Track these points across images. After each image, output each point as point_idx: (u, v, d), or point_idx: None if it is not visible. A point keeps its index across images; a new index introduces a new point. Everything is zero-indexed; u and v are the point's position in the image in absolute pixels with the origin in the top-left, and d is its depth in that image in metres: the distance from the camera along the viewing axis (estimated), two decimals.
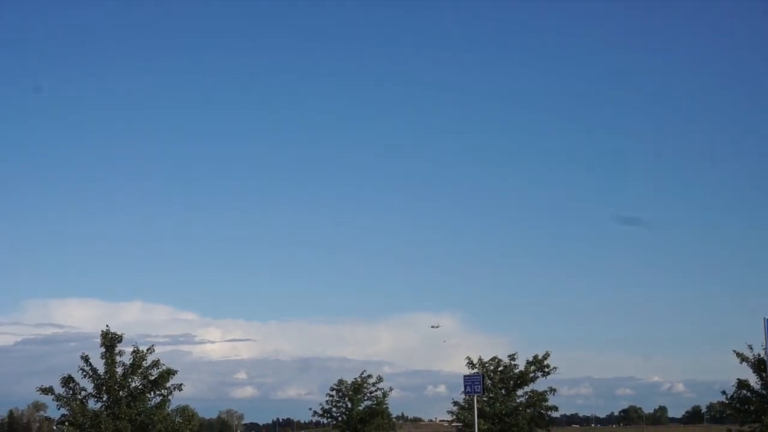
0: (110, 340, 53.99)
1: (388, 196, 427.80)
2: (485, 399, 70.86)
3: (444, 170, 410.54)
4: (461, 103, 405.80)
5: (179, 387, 54.32)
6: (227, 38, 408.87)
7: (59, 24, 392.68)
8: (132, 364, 53.94)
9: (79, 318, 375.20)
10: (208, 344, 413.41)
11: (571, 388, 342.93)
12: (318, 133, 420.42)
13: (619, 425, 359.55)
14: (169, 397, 54.32)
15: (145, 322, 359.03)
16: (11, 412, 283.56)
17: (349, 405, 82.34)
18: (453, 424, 77.13)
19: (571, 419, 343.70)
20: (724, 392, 64.37)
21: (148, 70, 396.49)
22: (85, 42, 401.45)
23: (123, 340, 54.50)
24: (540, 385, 72.78)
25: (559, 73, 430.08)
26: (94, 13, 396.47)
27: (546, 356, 72.44)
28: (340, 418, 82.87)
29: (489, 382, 71.30)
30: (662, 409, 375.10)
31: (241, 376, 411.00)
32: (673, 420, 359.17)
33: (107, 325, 54.62)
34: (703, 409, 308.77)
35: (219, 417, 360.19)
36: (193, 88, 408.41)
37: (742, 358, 61.02)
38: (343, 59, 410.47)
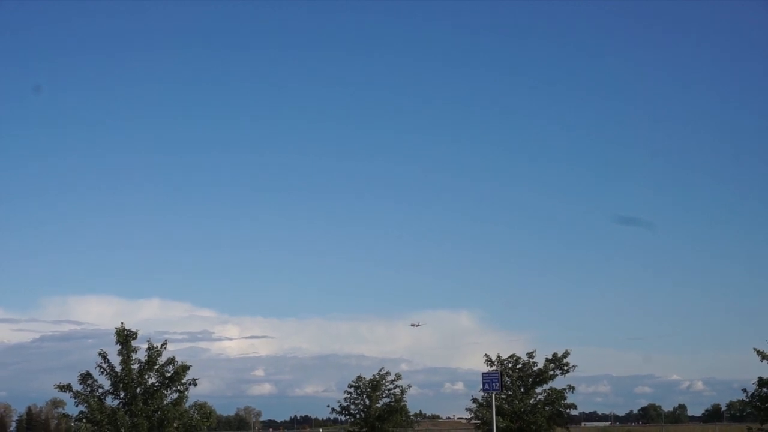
0: (125, 337, 53.87)
1: (407, 197, 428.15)
2: (504, 396, 70.57)
3: (457, 173, 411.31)
4: (472, 106, 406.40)
5: (194, 382, 54.20)
6: (228, 39, 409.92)
7: (59, 24, 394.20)
8: (147, 361, 53.86)
9: (97, 315, 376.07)
10: (226, 341, 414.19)
11: (589, 386, 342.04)
12: (329, 135, 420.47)
13: (638, 423, 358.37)
14: (186, 393, 54.17)
15: (164, 319, 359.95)
16: (29, 409, 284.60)
17: (368, 402, 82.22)
18: (471, 422, 76.77)
19: (589, 417, 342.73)
20: (744, 390, 63.88)
21: (155, 69, 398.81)
22: (85, 42, 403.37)
23: (138, 336, 54.39)
24: (559, 382, 72.47)
25: (559, 75, 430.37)
26: (94, 14, 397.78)
27: (565, 354, 72.05)
28: (358, 416, 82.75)
29: (507, 379, 71.04)
30: (682, 408, 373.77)
31: (259, 373, 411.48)
32: (693, 418, 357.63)
33: (122, 322, 54.57)
34: (723, 408, 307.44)
35: (237, 414, 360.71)
36: (196, 88, 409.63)
37: (763, 356, 60.47)
38: (344, 65, 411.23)
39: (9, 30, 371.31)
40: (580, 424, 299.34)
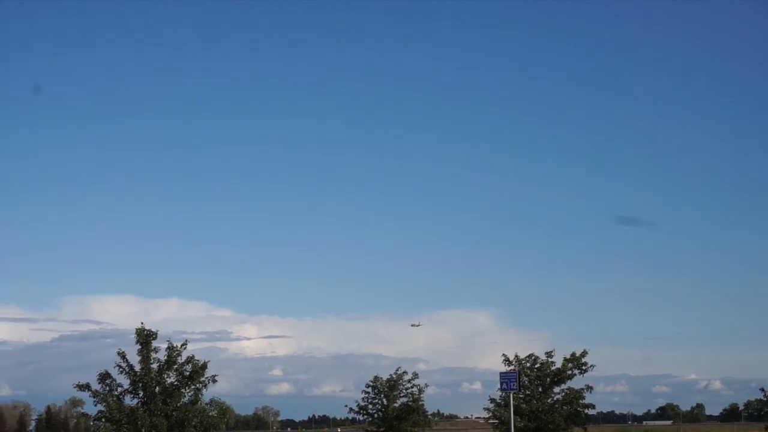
0: (145, 337, 54.00)
1: (426, 197, 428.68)
2: (521, 396, 70.46)
3: (474, 174, 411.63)
4: (481, 106, 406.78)
5: (213, 379, 54.29)
6: (228, 40, 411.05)
7: (59, 24, 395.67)
8: (167, 360, 53.98)
9: (115, 314, 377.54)
10: (244, 341, 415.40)
11: (607, 386, 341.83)
12: (346, 134, 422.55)
13: (656, 423, 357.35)
14: (203, 390, 54.27)
15: (182, 318, 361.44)
16: (49, 408, 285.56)
17: (385, 402, 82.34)
18: (489, 422, 76.72)
19: (607, 417, 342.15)
20: (762, 389, 63.85)
21: (158, 70, 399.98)
22: (85, 42, 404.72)
23: (158, 336, 54.51)
24: (577, 382, 72.30)
25: (560, 75, 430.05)
26: (94, 15, 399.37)
27: (584, 354, 71.85)
28: (375, 415, 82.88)
29: (525, 379, 70.93)
30: (699, 407, 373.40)
31: (277, 372, 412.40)
32: (711, 418, 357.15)
33: (142, 322, 54.70)
34: (741, 407, 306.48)
35: (255, 413, 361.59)
36: (202, 88, 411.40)
37: None
38: (349, 64, 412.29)
39: (9, 30, 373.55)
40: (598, 424, 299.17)
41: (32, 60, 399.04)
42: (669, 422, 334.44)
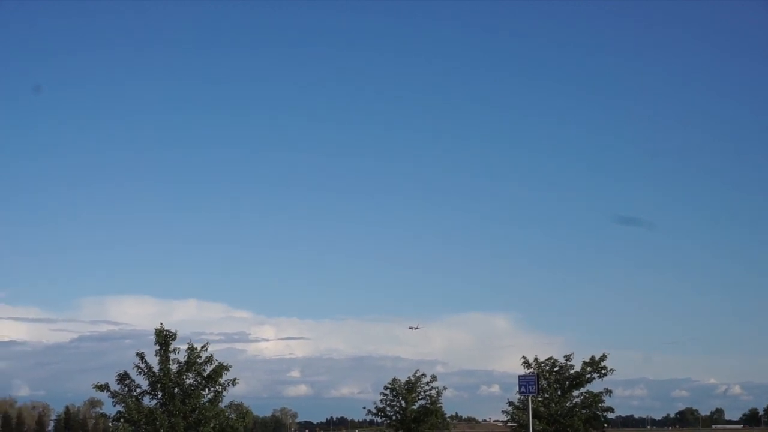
0: (164, 338, 54.04)
1: (444, 202, 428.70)
2: (540, 399, 70.27)
3: (491, 179, 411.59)
4: (493, 108, 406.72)
5: (233, 382, 54.29)
6: (229, 40, 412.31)
7: (59, 24, 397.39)
8: (186, 361, 53.98)
9: (134, 315, 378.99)
10: (263, 342, 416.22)
11: (626, 389, 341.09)
12: (360, 136, 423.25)
13: (675, 427, 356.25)
14: (223, 393, 54.27)
15: (200, 320, 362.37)
16: (67, 409, 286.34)
17: (403, 404, 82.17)
18: (508, 425, 76.53)
19: (626, 421, 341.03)
20: None
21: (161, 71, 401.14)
22: (86, 42, 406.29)
23: (177, 337, 54.54)
24: (596, 386, 72.05)
25: (560, 76, 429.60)
26: (95, 15, 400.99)
27: (603, 357, 71.62)
28: (394, 417, 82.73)
29: (544, 382, 70.74)
30: (719, 412, 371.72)
31: (295, 374, 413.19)
32: (730, 422, 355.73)
33: (161, 323, 54.74)
34: (761, 412, 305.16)
35: (273, 415, 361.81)
36: (206, 88, 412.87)
37: None
38: (348, 66, 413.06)
39: (9, 30, 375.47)
40: (618, 428, 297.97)
41: (32, 60, 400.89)
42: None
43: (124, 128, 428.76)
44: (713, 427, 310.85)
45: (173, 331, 54.44)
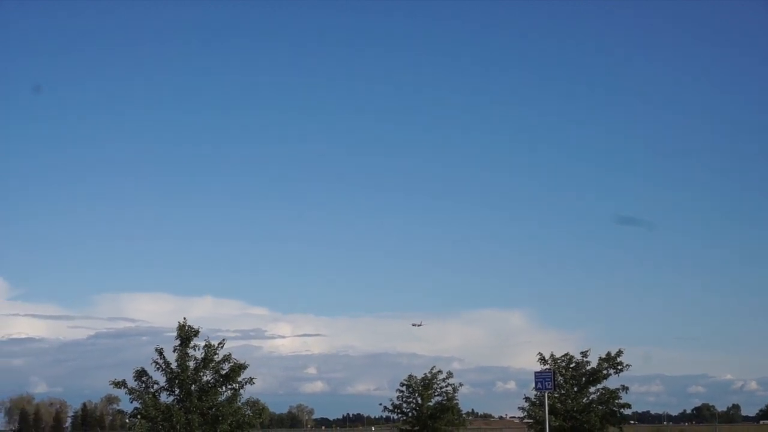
0: (186, 334, 54.15)
1: (459, 197, 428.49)
2: (556, 396, 70.23)
3: (512, 175, 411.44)
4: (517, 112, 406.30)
5: (251, 381, 54.38)
6: (231, 40, 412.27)
7: (59, 24, 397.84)
8: (204, 359, 54.07)
9: (150, 312, 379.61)
10: (279, 339, 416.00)
11: (642, 386, 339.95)
12: (378, 132, 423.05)
13: (692, 423, 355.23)
14: (240, 391, 54.37)
15: (216, 316, 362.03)
16: (85, 405, 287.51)
17: (419, 401, 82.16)
18: (524, 421, 76.52)
19: (642, 417, 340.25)
20: None
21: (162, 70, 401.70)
22: (85, 41, 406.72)
23: (199, 334, 54.62)
24: (612, 382, 71.96)
25: (560, 74, 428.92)
26: (94, 15, 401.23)
27: (619, 353, 71.56)
28: (410, 414, 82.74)
29: (560, 378, 70.68)
30: (735, 408, 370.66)
31: (311, 371, 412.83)
32: (747, 418, 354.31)
33: (184, 318, 54.83)
34: None
35: (289, 412, 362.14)
36: (212, 87, 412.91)
37: None
38: (352, 61, 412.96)
39: (9, 30, 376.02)
40: (631, 422, 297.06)
41: (32, 60, 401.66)
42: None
43: (133, 125, 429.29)
44: (760, 422, 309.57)
45: (195, 327, 54.57)
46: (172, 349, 54.22)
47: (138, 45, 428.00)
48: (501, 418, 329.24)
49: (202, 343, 54.43)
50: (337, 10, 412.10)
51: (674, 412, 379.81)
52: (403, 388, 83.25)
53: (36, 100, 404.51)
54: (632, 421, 73.27)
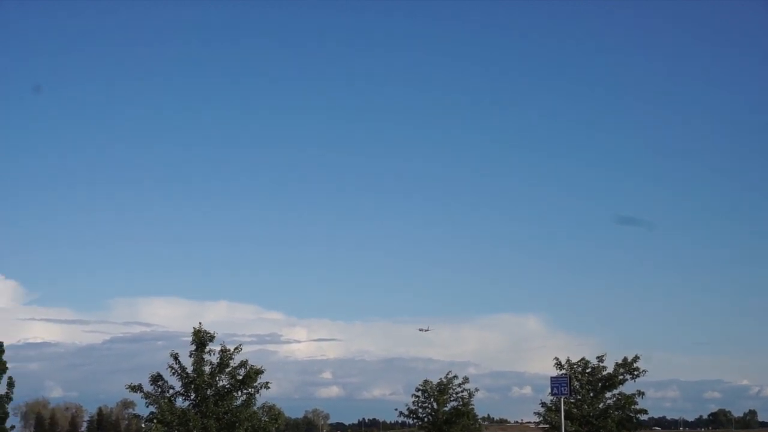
0: (201, 338, 54.16)
1: (474, 203, 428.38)
2: (573, 401, 70.03)
3: (525, 181, 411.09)
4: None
5: (266, 385, 54.37)
6: (232, 38, 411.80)
7: (59, 24, 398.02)
8: (219, 363, 54.08)
9: (165, 317, 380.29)
10: (294, 344, 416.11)
11: (657, 391, 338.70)
12: (388, 136, 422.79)
13: (708, 429, 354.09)
14: (256, 395, 54.38)
15: (231, 321, 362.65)
16: (100, 410, 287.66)
17: (435, 406, 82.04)
18: (540, 426, 76.32)
19: (658, 423, 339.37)
20: None
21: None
22: (85, 42, 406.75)
23: (215, 338, 54.62)
24: (628, 387, 71.75)
25: (559, 73, 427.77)
26: (94, 14, 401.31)
27: (635, 359, 71.37)
28: (425, 419, 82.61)
29: (576, 383, 70.49)
30: (752, 413, 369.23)
31: (327, 375, 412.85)
32: (763, 424, 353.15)
33: (200, 323, 54.82)
34: None
35: (305, 417, 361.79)
36: (216, 84, 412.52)
37: None
38: (370, 63, 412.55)
39: (9, 30, 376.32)
40: (655, 429, 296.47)
41: (32, 60, 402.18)
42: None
43: (142, 126, 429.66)
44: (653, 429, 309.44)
45: (211, 332, 54.56)
46: (188, 353, 54.26)
47: (138, 46, 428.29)
48: (517, 423, 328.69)
49: (218, 348, 54.45)
50: (337, 10, 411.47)
51: (690, 418, 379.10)
52: (419, 393, 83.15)
53: (35, 100, 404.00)
54: (656, 428, 73.00)
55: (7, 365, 57.09)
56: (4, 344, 60.79)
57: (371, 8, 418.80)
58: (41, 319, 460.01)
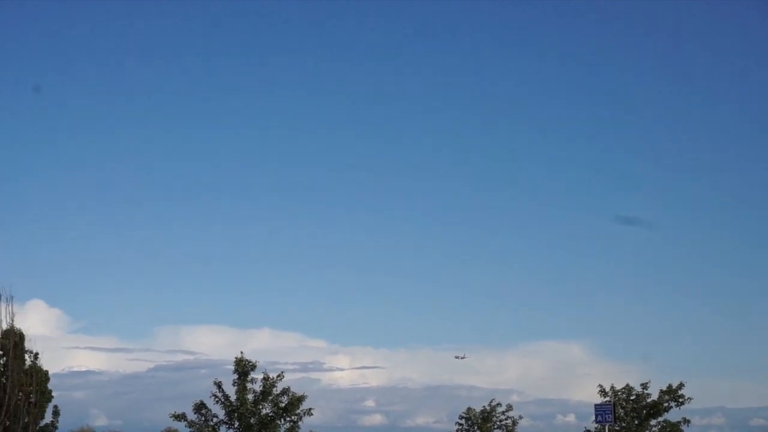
0: (243, 367, 54.35)
1: (517, 232, 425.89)
2: (617, 428, 69.54)
3: (573, 211, 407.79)
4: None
5: (309, 412, 54.42)
6: (234, 41, 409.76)
7: (59, 24, 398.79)
8: (263, 391, 54.22)
9: (209, 345, 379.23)
10: (337, 372, 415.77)
11: (703, 418, 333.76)
12: (438, 169, 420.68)
13: None
14: (299, 423, 54.44)
15: (274, 349, 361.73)
16: None
17: None
18: None
19: None
20: None
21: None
22: (86, 43, 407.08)
23: (256, 367, 54.80)
24: (673, 415, 71.16)
25: (559, 73, 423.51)
26: (95, 15, 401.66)
27: (680, 386, 70.77)
28: None
29: (621, 411, 69.99)
30: None
31: (370, 403, 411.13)
32: None
33: (241, 352, 55.00)
34: None
35: None
36: (222, 93, 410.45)
37: None
38: (394, 79, 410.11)
39: (9, 30, 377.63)
40: None
41: (32, 60, 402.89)
42: None
43: (183, 144, 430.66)
44: None
45: (253, 360, 54.74)
46: (231, 382, 54.44)
47: (140, 47, 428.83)
48: None
49: (260, 376, 54.60)
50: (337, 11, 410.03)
51: None
52: (462, 421, 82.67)
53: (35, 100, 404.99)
54: None
55: (53, 393, 57.35)
56: (50, 372, 61.19)
57: (370, 14, 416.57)
58: (86, 348, 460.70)
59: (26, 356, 54.17)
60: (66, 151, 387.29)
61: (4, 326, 53.16)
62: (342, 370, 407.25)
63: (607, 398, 70.46)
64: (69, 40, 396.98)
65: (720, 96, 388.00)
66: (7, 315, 53.43)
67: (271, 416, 54.10)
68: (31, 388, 53.82)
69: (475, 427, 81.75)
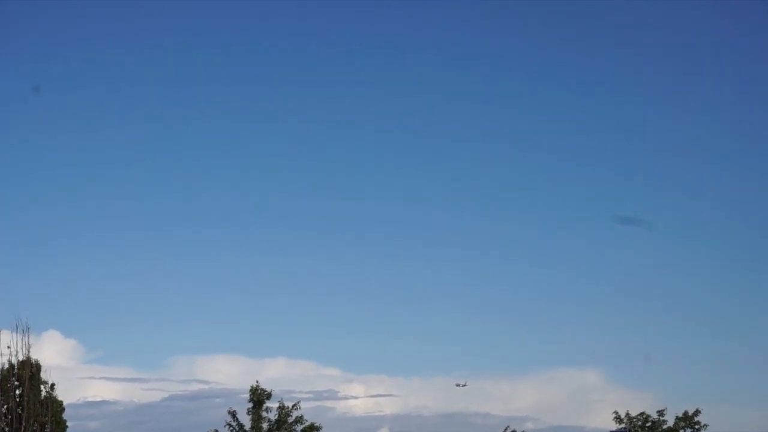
0: (259, 396, 54.42)
1: (529, 257, 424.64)
2: None
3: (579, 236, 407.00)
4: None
5: None
6: (235, 42, 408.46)
7: (59, 24, 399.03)
8: (278, 420, 54.27)
9: (224, 374, 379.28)
10: (351, 400, 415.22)
11: None
12: (453, 193, 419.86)
13: None
14: None
15: (289, 377, 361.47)
16: None
17: None
18: None
19: None
20: None
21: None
22: (86, 43, 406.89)
23: (272, 396, 54.87)
24: None
25: (558, 72, 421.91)
26: (94, 15, 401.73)
27: (696, 413, 70.57)
28: None
29: None
30: None
31: (384, 431, 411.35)
32: None
33: (257, 381, 55.10)
34: None
35: None
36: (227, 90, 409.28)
37: None
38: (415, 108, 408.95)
39: (9, 30, 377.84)
40: None
41: (32, 60, 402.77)
42: None
43: (204, 172, 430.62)
44: None
45: (267, 389, 54.80)
46: (246, 411, 54.51)
47: (141, 47, 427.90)
48: None
49: (275, 405, 54.67)
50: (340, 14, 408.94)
51: None
52: None
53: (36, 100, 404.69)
54: None
55: (68, 423, 57.57)
56: (65, 403, 61.45)
57: (373, 9, 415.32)
58: (101, 378, 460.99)
59: (42, 387, 54.33)
60: (67, 152, 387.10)
61: (21, 357, 53.37)
62: (356, 398, 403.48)
63: (623, 425, 70.30)
64: (69, 40, 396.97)
65: (722, 96, 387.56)
66: (24, 346, 53.66)
67: None
68: (47, 418, 53.99)
69: None
